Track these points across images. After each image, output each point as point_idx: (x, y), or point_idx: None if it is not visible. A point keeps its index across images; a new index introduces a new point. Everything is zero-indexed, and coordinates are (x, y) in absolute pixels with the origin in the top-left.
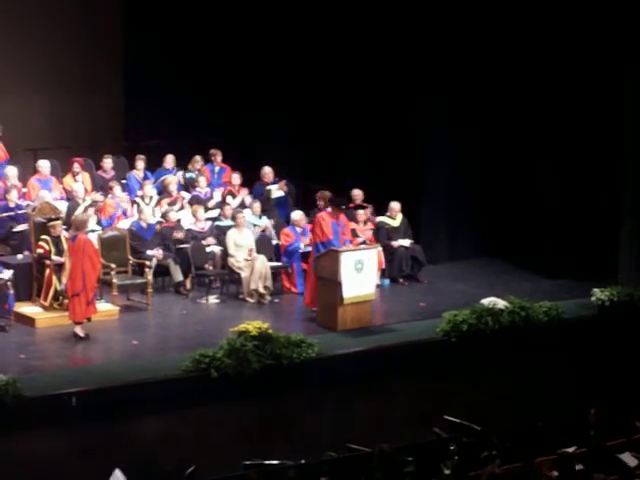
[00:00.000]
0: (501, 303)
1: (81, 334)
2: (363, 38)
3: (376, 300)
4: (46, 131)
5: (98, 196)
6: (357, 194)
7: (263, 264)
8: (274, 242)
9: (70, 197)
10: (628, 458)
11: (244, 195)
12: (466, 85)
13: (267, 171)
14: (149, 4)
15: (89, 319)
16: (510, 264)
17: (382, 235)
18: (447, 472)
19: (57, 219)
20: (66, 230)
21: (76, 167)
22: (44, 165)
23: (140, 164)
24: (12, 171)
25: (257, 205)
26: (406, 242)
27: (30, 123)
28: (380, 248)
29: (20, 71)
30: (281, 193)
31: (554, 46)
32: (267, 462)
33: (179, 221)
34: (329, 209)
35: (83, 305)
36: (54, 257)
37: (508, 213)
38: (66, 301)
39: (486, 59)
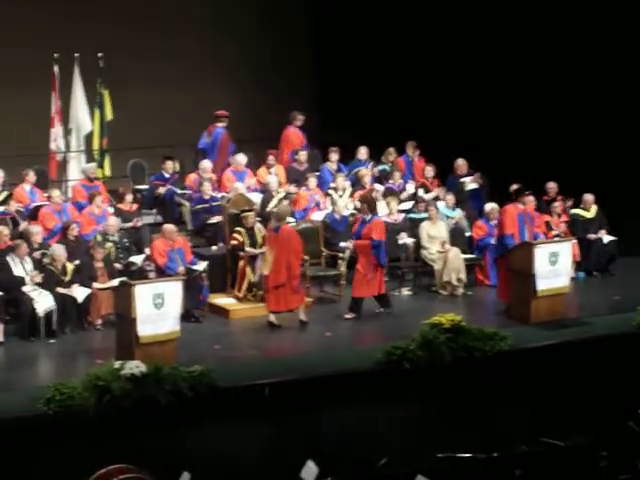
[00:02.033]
0: None
1: (275, 322)
2: None
3: (570, 293)
4: (242, 124)
5: (292, 188)
6: (552, 187)
7: (456, 256)
8: (467, 234)
9: (264, 189)
10: None
11: (438, 188)
12: None
13: (461, 163)
14: None
15: (291, 310)
16: None
17: (577, 227)
18: None
19: (250, 210)
20: (260, 222)
21: (271, 159)
22: (241, 158)
23: (334, 156)
24: (206, 163)
25: (450, 197)
26: (606, 237)
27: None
28: (575, 240)
29: (215, 66)
30: (475, 185)
31: None
32: (459, 455)
33: None
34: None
35: (289, 295)
36: (248, 249)
37: None
38: (260, 292)
39: None
